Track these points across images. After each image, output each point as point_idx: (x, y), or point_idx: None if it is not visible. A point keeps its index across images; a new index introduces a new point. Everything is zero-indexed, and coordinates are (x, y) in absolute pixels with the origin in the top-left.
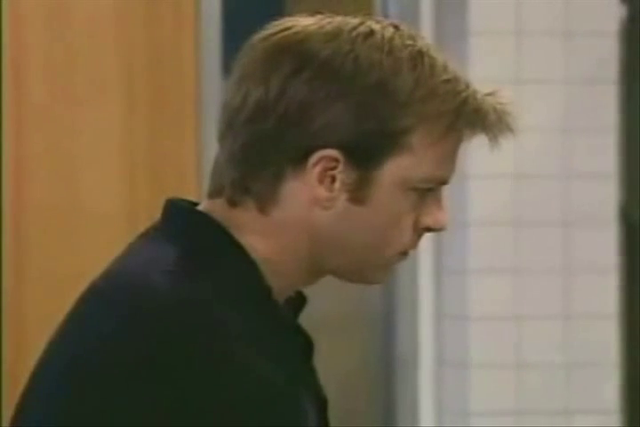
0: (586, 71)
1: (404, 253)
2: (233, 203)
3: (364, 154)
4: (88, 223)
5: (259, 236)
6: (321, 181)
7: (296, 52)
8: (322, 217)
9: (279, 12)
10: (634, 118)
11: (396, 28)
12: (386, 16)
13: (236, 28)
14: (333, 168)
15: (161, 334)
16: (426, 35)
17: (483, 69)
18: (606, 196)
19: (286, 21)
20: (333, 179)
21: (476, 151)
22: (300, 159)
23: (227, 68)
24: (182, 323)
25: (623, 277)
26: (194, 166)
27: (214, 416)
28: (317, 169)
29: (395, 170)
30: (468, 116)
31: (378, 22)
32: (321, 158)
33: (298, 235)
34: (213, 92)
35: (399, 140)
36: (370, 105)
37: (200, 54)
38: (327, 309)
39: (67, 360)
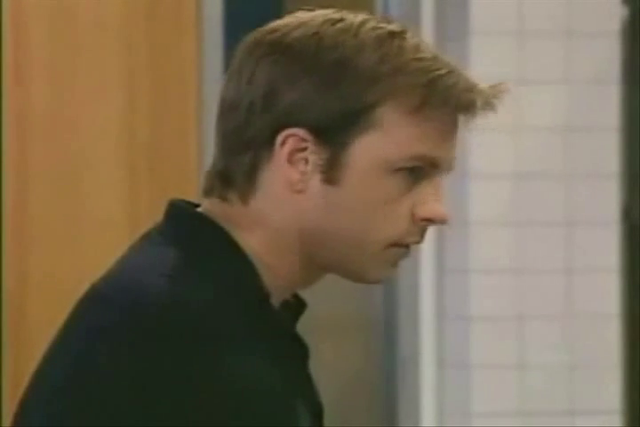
0: (587, 71)
1: (402, 247)
2: (222, 198)
3: (332, 132)
4: (90, 225)
5: (249, 231)
6: (291, 162)
7: (266, 41)
8: (301, 202)
9: (279, 13)
10: (635, 118)
11: (377, 18)
12: (387, 17)
13: (237, 28)
14: (304, 149)
15: (158, 335)
16: (427, 35)
17: (484, 69)
18: (608, 196)
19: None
20: (306, 161)
21: (477, 150)
22: (270, 142)
23: (228, 68)
24: (179, 324)
25: (625, 278)
26: (195, 167)
27: (204, 415)
28: (286, 149)
29: (367, 148)
30: (440, 91)
31: (358, 14)
32: (287, 137)
33: (281, 225)
34: (215, 92)
35: (365, 117)
36: (331, 82)
37: (201, 55)
38: (329, 310)
39: (67, 362)
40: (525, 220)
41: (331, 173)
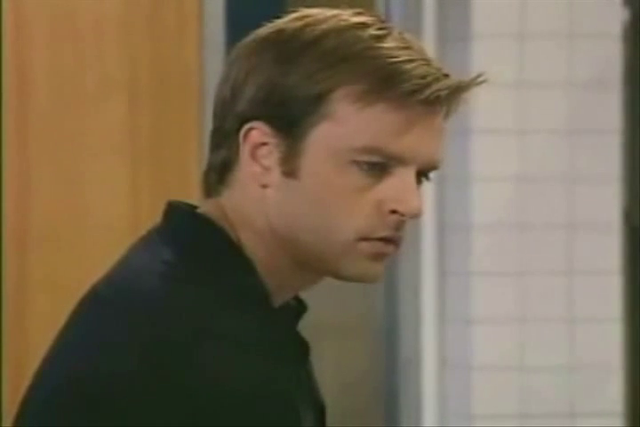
0: (589, 74)
1: (374, 240)
2: (212, 197)
3: (289, 123)
4: (91, 225)
5: (241, 229)
6: (254, 156)
7: (241, 43)
8: (268, 197)
9: (281, 13)
10: (637, 120)
11: (353, 12)
12: (388, 19)
13: (239, 28)
14: (266, 143)
15: (158, 336)
16: (429, 37)
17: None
18: (610, 198)
19: None
20: (268, 154)
21: (479, 153)
22: (237, 137)
23: None
24: (179, 325)
25: (626, 280)
26: (197, 170)
27: (207, 415)
28: (249, 144)
29: (321, 138)
30: (389, 77)
31: (338, 11)
32: (249, 131)
33: (259, 221)
34: None
35: (318, 106)
36: (285, 72)
37: (203, 56)
38: (331, 312)
39: (67, 363)
40: (527, 222)
41: (288, 165)
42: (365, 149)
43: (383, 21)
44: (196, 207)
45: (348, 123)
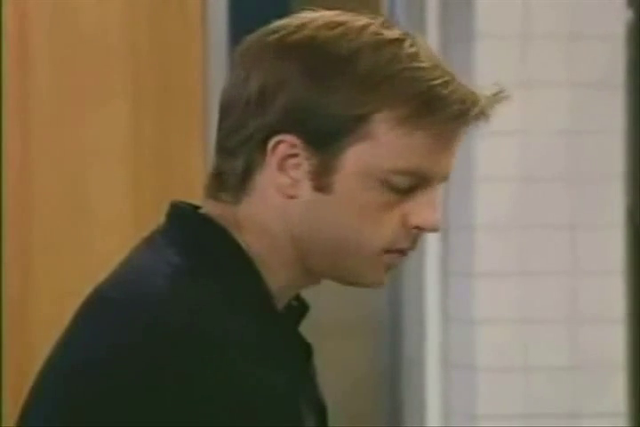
0: (592, 74)
1: (394, 252)
2: (219, 199)
3: (324, 140)
4: (94, 225)
5: (247, 233)
6: (281, 168)
7: (264, 42)
8: (292, 207)
9: (284, 14)
10: (639, 121)
11: (381, 21)
12: (392, 19)
13: (243, 28)
14: (295, 155)
15: (161, 337)
16: (432, 37)
17: (489, 72)
18: (612, 198)
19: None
20: (297, 167)
21: (483, 154)
22: (262, 146)
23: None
24: (182, 327)
25: (630, 280)
26: (200, 167)
27: (207, 417)
28: (277, 156)
29: (357, 157)
30: (431, 102)
31: (361, 18)
32: (278, 143)
33: (273, 228)
34: (219, 92)
35: (357, 126)
36: (323, 88)
37: (207, 54)
38: (335, 312)
39: (70, 365)
40: (530, 223)
41: (321, 180)
42: (401, 172)
43: (408, 33)
44: (198, 207)
45: (387, 145)
